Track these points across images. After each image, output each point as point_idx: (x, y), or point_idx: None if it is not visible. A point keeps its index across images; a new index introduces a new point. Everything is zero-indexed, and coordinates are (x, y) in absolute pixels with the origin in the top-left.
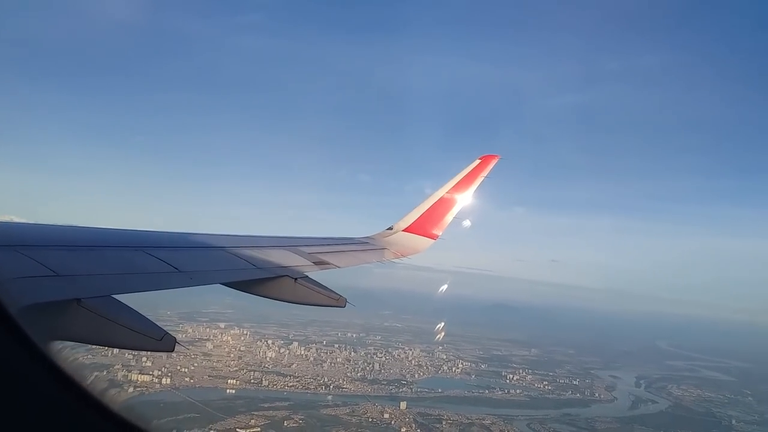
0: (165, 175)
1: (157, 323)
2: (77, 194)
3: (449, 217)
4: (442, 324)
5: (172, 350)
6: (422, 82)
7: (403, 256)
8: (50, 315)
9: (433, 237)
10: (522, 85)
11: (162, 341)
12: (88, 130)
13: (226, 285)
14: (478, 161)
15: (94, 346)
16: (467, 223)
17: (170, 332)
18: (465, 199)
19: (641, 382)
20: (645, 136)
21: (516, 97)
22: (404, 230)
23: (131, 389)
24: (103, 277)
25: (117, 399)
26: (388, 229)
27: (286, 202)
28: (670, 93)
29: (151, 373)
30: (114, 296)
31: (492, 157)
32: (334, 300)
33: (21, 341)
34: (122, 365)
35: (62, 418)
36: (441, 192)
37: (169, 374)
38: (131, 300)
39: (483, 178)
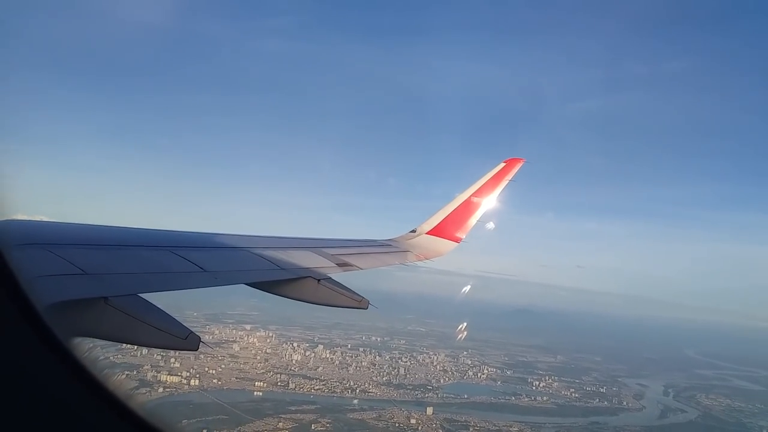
0: (190, 176)
1: (184, 324)
2: (103, 194)
3: (473, 221)
4: (464, 325)
5: (197, 349)
6: (447, 86)
7: (426, 258)
8: (78, 313)
9: (456, 240)
10: (547, 90)
11: (187, 340)
12: (113, 130)
13: (250, 285)
14: (503, 164)
15: (123, 346)
16: (491, 225)
17: (197, 333)
18: (489, 202)
19: (669, 390)
20: (672, 141)
21: (541, 102)
22: (427, 233)
23: (161, 389)
24: (129, 276)
25: (141, 401)
26: (411, 231)
27: (309, 205)
28: (697, 98)
29: (179, 374)
30: (140, 295)
31: (517, 160)
32: (356, 302)
33: (46, 340)
34: (151, 366)
35: (86, 419)
36: (465, 195)
37: (197, 375)
38: (158, 300)
39: (508, 181)
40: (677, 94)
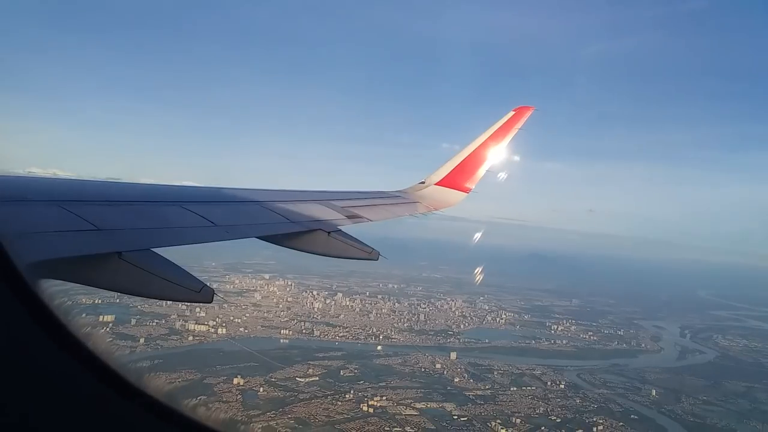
0: (196, 128)
1: (203, 274)
2: (114, 148)
3: (482, 171)
4: (481, 268)
5: (211, 301)
6: (455, 33)
7: (435, 209)
8: (93, 267)
9: (465, 190)
10: (557, 35)
11: (200, 293)
12: (123, 84)
13: (261, 239)
14: (512, 113)
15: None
16: (503, 176)
17: (217, 283)
18: (499, 151)
19: (686, 332)
20: (684, 83)
21: (551, 47)
22: (437, 184)
23: (190, 338)
24: (141, 231)
25: (120, 361)
26: (420, 182)
27: (317, 156)
28: (708, 40)
29: (206, 323)
30: (153, 249)
31: (526, 108)
32: (367, 253)
33: (26, 301)
34: (178, 315)
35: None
36: (474, 145)
37: (224, 324)
38: (175, 251)
39: (517, 130)
40: (691, 35)
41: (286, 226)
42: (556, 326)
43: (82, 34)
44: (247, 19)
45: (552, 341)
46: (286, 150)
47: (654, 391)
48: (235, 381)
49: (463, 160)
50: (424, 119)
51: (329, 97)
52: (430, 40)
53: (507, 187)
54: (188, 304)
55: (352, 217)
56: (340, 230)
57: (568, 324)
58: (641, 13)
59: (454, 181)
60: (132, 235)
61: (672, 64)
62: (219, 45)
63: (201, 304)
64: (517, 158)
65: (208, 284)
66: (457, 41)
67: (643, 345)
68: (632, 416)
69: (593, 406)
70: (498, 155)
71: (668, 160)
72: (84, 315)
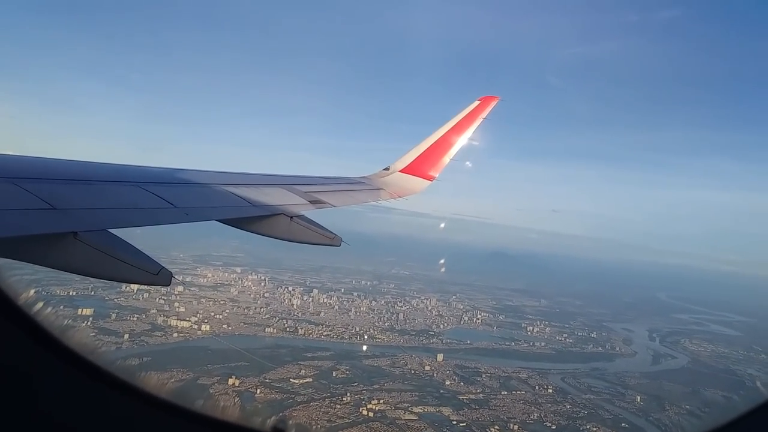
0: (166, 114)
1: (173, 266)
2: (73, 130)
3: (446, 159)
4: (442, 261)
5: (168, 284)
6: (430, 27)
7: (398, 197)
8: (47, 247)
9: (429, 178)
10: (528, 36)
11: (158, 275)
12: (85, 66)
13: (221, 222)
14: (477, 102)
15: (124, 288)
16: (468, 164)
17: (190, 276)
18: (463, 140)
19: (654, 335)
20: (647, 89)
21: (521, 48)
22: (401, 171)
23: (175, 335)
24: (99, 212)
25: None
26: (384, 169)
27: (283, 144)
28: (674, 47)
29: (188, 319)
30: (110, 230)
31: (491, 98)
32: (329, 239)
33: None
34: (157, 310)
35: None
36: (439, 133)
37: (206, 320)
38: (138, 240)
39: (482, 119)
40: (659, 43)
41: (248, 210)
42: (531, 327)
43: (47, 13)
44: (217, 5)
45: (530, 343)
46: (247, 139)
47: (638, 397)
48: (230, 382)
49: (428, 147)
50: (392, 109)
51: (295, 89)
52: (403, 33)
53: (471, 184)
54: (166, 297)
55: (314, 202)
56: (303, 215)
57: (542, 326)
58: (614, 19)
59: (418, 168)
60: (89, 215)
61: (639, 70)
62: (186, 31)
63: (180, 298)
64: (480, 145)
65: (179, 276)
66: (432, 35)
67: (617, 348)
68: (623, 424)
69: (584, 413)
70: (462, 144)
71: (632, 163)
72: (61, 307)
